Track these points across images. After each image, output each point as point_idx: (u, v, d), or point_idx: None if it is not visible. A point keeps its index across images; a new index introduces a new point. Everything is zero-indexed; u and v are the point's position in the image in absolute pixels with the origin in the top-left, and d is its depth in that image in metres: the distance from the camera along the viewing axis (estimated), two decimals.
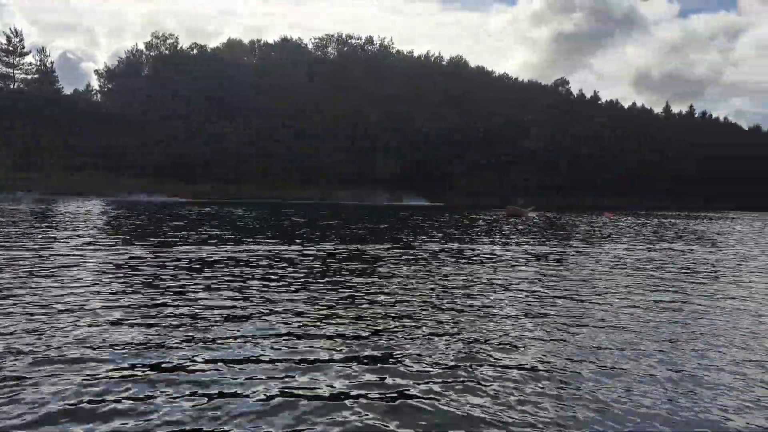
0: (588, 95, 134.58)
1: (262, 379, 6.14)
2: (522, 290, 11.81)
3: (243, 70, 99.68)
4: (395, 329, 8.26)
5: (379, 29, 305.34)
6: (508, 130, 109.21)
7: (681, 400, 5.91)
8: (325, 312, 9.21)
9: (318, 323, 8.46)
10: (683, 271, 15.89)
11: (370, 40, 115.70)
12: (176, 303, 9.53)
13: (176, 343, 7.21)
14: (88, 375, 6.03)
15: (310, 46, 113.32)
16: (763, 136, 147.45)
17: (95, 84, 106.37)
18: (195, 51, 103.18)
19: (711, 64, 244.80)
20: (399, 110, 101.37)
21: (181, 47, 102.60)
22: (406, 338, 7.79)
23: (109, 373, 6.10)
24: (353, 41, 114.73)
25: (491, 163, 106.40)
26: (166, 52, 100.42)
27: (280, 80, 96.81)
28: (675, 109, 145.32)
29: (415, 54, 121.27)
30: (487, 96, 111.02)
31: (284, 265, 14.42)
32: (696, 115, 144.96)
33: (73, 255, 14.93)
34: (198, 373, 6.22)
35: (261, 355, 6.84)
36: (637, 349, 7.59)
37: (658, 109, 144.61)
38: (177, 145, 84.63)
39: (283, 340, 7.54)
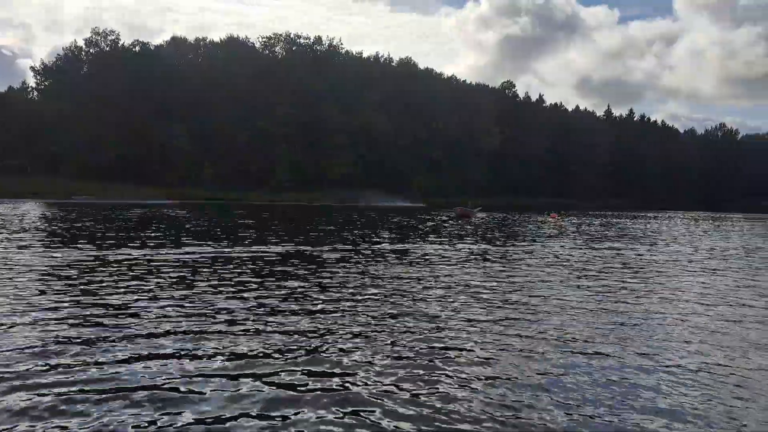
0: (534, 98, 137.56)
1: (201, 378, 5.87)
2: (464, 287, 11.74)
3: (188, 68, 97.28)
4: (333, 328, 8.02)
5: (327, 29, 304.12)
6: (458, 131, 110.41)
7: (621, 401, 5.88)
8: (273, 310, 8.89)
9: (265, 322, 8.15)
10: (619, 267, 16.22)
11: (318, 40, 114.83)
12: (142, 306, 9.02)
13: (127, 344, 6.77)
14: None
15: (257, 45, 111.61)
16: (698, 139, 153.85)
17: (31, 81, 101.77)
18: (137, 48, 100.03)
19: (649, 69, 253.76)
20: (350, 111, 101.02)
21: (122, 44, 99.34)
22: (344, 337, 7.56)
23: None
24: (302, 41, 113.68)
25: (442, 164, 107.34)
26: (107, 48, 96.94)
27: (227, 79, 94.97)
28: (616, 112, 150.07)
29: (365, 55, 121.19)
30: (436, 97, 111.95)
31: (230, 267, 13.98)
32: (635, 119, 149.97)
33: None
34: (136, 372, 5.82)
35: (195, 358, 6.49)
36: (581, 344, 7.57)
37: (600, 112, 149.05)
38: (118, 146, 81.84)
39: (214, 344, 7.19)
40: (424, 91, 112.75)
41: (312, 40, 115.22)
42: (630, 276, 14.69)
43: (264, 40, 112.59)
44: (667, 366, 7.05)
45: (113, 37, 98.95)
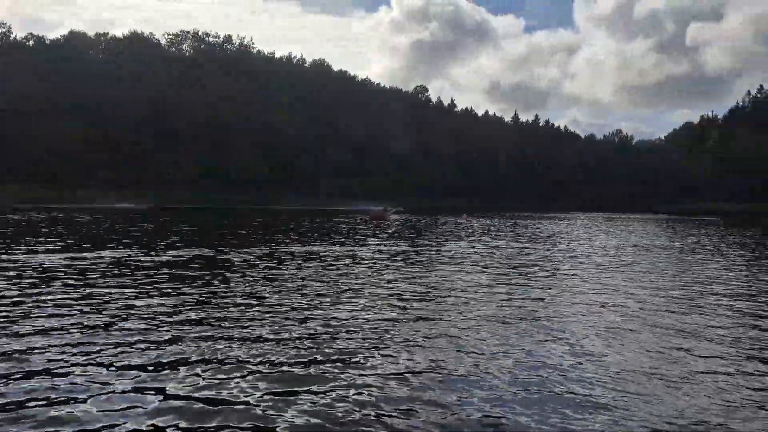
0: (446, 102, 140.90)
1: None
2: (377, 288, 11.60)
3: (88, 64, 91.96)
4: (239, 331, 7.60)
5: (238, 29, 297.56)
6: (369, 133, 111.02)
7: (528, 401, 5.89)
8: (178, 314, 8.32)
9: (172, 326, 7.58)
10: (525, 265, 16.67)
11: (228, 39, 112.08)
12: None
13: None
14: None
15: (163, 42, 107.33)
16: (597, 143, 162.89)
17: None
18: (32, 42, 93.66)
19: (553, 76, 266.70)
20: (260, 111, 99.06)
21: (15, 37, 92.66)
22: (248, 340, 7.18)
23: None
24: (211, 39, 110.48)
25: (356, 166, 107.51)
26: None
27: (130, 77, 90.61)
28: (523, 118, 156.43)
29: (277, 55, 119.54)
30: (350, 100, 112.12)
31: (139, 272, 13.10)
32: (541, 124, 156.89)
33: None
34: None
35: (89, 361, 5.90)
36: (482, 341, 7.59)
37: (508, 118, 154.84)
38: (10, 145, 75.99)
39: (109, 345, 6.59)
40: (337, 94, 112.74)
41: (222, 39, 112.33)
42: (539, 272, 15.08)
43: (170, 37, 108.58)
44: (578, 358, 7.16)
45: (4, 29, 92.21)
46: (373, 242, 24.20)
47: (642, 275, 15.60)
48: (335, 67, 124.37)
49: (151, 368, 6.48)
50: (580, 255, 21.14)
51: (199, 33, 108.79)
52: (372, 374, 6.50)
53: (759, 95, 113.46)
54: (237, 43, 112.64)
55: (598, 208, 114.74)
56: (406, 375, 6.50)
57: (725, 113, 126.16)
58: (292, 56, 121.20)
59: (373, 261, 17.19)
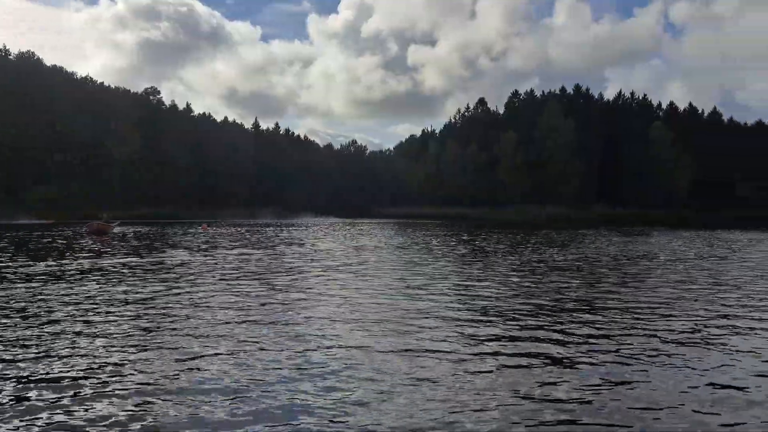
0: (181, 106, 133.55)
1: None
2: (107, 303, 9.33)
3: None
4: None
5: None
6: (94, 136, 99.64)
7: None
8: None
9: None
10: (272, 271, 15.68)
11: None
12: None
13: None
14: None
15: None
16: (335, 153, 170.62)
17: None
18: None
19: (290, 86, 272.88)
20: None
21: None
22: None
23: None
24: None
25: (73, 173, 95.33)
26: None
27: None
28: (263, 125, 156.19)
29: None
30: (67, 98, 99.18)
31: None
32: (281, 132, 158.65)
33: None
34: None
35: None
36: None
37: (248, 124, 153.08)
38: None
39: None
40: (52, 91, 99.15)
41: None
42: (283, 278, 14.10)
43: None
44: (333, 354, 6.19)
45: None
46: (88, 258, 20.73)
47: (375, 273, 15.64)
48: (48, 62, 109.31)
49: None
50: (323, 259, 20.81)
51: None
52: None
53: (467, 113, 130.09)
54: None
55: (337, 214, 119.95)
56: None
57: (441, 129, 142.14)
58: None
59: (78, 278, 14.35)
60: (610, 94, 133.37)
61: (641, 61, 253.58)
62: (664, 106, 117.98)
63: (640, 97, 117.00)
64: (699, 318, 10.35)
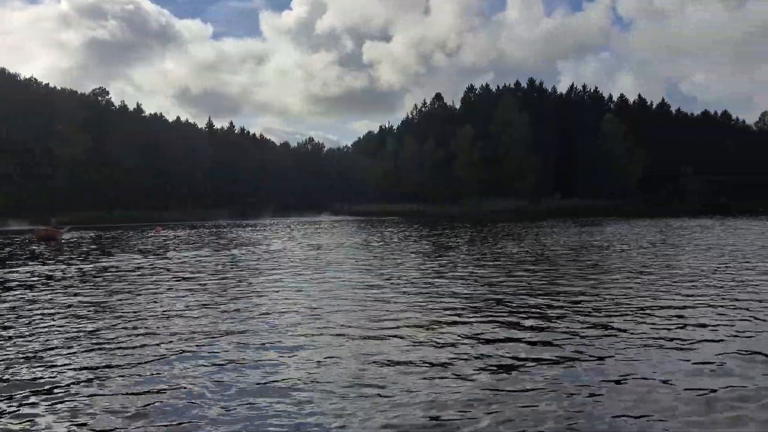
0: (131, 107, 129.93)
1: None
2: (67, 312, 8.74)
3: None
4: None
5: None
6: (39, 138, 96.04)
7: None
8: None
9: None
10: (234, 271, 15.22)
11: None
12: None
13: None
14: None
15: None
16: (292, 151, 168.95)
17: None
18: None
19: (244, 84, 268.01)
20: None
21: None
22: None
23: None
24: None
25: (12, 177, 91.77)
26: None
27: None
28: (217, 125, 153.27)
29: None
30: (10, 101, 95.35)
31: None
32: (236, 131, 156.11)
33: None
34: None
35: None
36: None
37: (201, 124, 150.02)
38: None
39: None
40: None
41: None
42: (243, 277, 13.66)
43: None
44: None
45: None
46: (35, 265, 19.78)
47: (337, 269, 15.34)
48: None
49: None
50: (283, 257, 20.37)
51: None
52: None
53: (423, 109, 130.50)
54: None
55: (294, 213, 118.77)
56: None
57: (398, 125, 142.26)
58: None
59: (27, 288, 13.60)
60: (563, 88, 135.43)
61: (592, 54, 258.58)
62: (615, 98, 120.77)
63: (592, 90, 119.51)
64: (654, 303, 10.41)
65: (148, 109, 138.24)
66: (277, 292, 12.92)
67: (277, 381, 6.37)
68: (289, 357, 7.36)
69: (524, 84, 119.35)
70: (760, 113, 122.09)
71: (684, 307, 10.11)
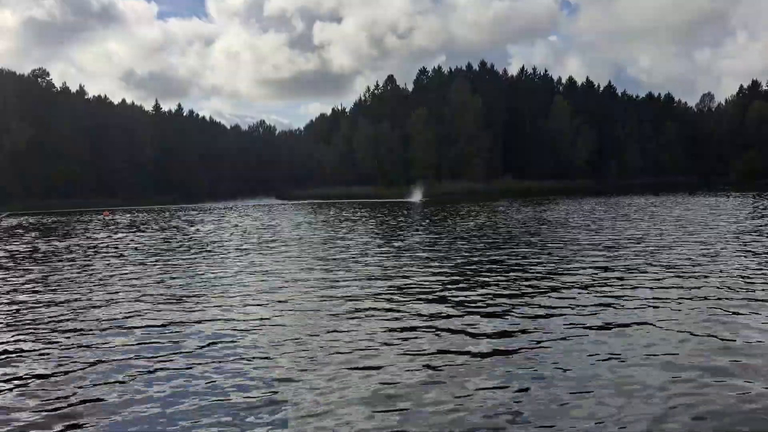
0: (73, 89, 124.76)
1: None
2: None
3: None
4: None
5: None
6: None
7: None
8: None
9: None
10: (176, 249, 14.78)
11: None
12: None
13: None
14: None
15: None
16: (243, 134, 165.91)
17: None
18: None
19: (192, 66, 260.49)
20: None
21: None
22: None
23: None
24: None
25: None
26: None
27: None
28: (165, 107, 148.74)
29: None
30: None
31: None
32: (185, 114, 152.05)
33: None
34: None
35: None
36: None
37: (148, 107, 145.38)
38: None
39: None
40: None
41: None
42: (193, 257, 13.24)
43: None
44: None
45: None
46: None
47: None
48: None
49: None
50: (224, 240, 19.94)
51: None
52: None
53: (376, 91, 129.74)
54: None
55: (246, 197, 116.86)
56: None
57: (351, 107, 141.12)
58: None
59: None
60: (513, 70, 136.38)
61: (540, 37, 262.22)
62: (564, 81, 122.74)
63: (542, 73, 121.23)
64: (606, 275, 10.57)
65: (92, 92, 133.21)
66: (226, 280, 12.59)
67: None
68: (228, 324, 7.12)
69: (476, 66, 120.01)
70: (701, 95, 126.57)
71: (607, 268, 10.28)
